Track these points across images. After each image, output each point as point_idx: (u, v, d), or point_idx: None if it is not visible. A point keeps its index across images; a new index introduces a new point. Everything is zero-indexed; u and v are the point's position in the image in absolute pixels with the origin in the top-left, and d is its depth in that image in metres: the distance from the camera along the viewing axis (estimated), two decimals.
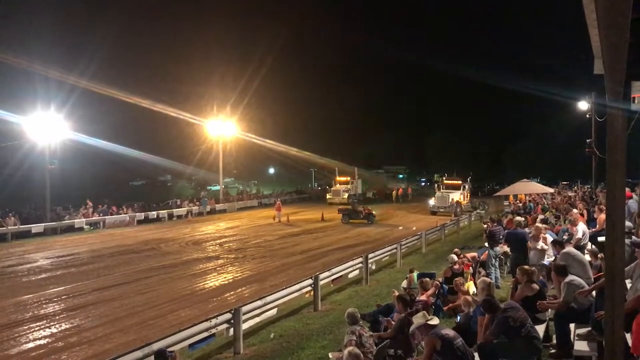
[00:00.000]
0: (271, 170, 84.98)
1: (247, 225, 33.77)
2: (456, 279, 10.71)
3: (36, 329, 11.71)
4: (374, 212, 34.55)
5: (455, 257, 12.37)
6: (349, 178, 53.25)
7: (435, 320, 6.49)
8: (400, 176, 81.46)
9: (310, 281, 12.61)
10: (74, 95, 39.29)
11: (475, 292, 8.98)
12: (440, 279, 11.52)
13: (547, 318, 8.27)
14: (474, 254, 14.66)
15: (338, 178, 53.47)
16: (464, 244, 21.62)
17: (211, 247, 24.16)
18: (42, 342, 10.88)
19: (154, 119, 51.34)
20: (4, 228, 28.00)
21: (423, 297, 9.66)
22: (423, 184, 78.05)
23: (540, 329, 7.56)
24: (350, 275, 15.21)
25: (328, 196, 51.43)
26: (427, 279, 10.60)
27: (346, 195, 48.63)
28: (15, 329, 11.64)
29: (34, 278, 17.57)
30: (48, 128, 32.90)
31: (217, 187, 55.33)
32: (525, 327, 6.71)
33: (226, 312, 9.60)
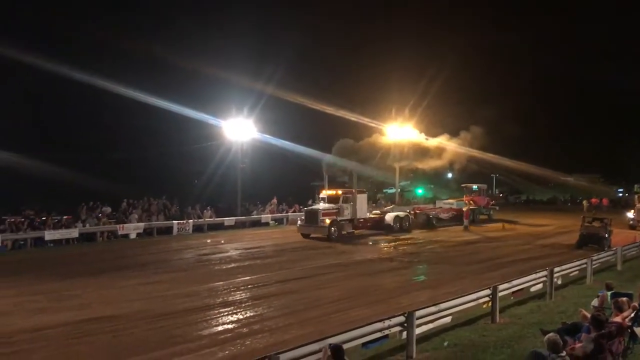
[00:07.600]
0: (449, 175, 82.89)
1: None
2: None
3: (225, 313, 12.80)
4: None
5: None
6: (340, 192, 30.44)
7: None
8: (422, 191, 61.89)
9: (488, 291, 12.03)
10: (263, 100, 42.19)
11: None
12: (638, 302, 10.20)
13: None
14: None
15: (325, 191, 31.37)
16: None
17: (386, 248, 24.37)
18: (229, 326, 11.84)
19: (334, 122, 53.05)
20: (201, 220, 31.20)
21: (617, 319, 8.64)
22: (620, 194, 70.07)
23: None
24: (532, 289, 14.23)
25: (299, 222, 30.06)
26: (624, 299, 9.41)
27: (328, 221, 27.79)
28: (208, 312, 12.85)
29: (224, 267, 19.28)
30: (240, 130, 36.05)
31: (393, 190, 55.37)
32: None
33: (400, 315, 9.52)
